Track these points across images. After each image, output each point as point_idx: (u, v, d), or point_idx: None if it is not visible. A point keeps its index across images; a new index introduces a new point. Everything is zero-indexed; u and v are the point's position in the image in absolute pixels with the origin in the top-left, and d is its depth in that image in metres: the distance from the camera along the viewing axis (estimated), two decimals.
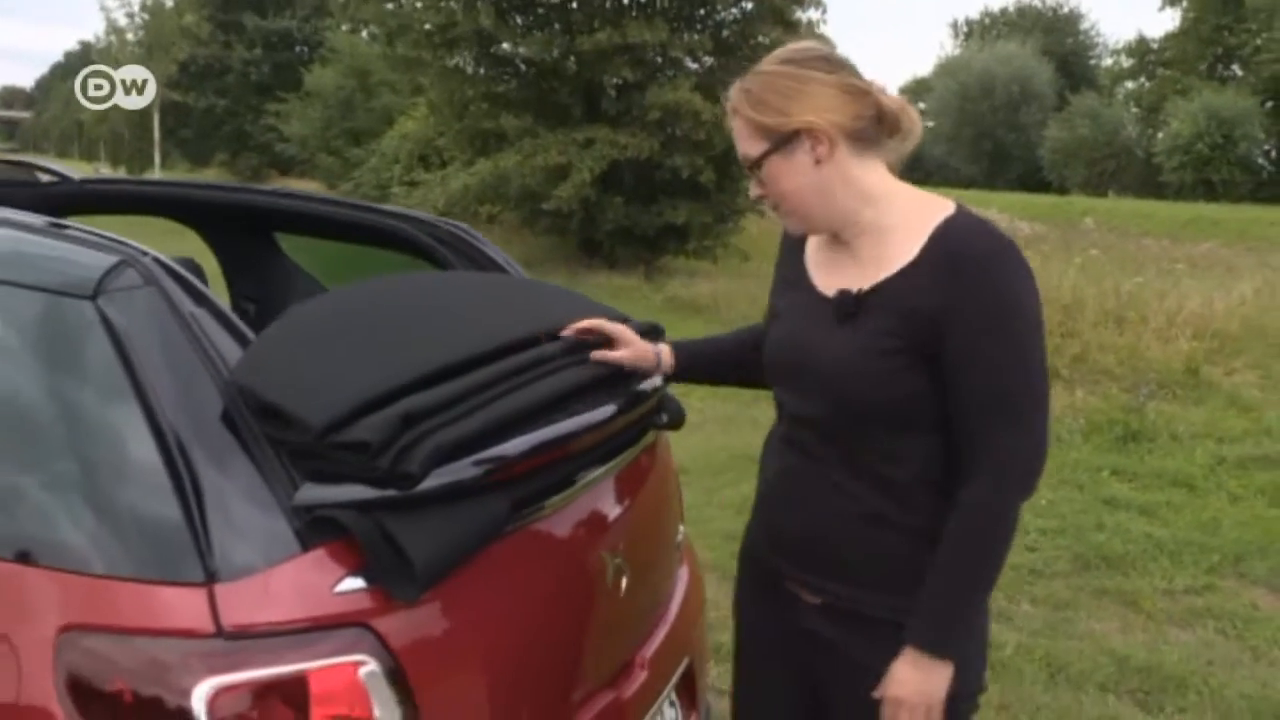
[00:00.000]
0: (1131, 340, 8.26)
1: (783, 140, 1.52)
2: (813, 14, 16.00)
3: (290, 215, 2.73)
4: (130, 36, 30.01)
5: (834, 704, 1.75)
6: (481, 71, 16.09)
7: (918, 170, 42.82)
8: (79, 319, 1.49)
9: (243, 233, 2.89)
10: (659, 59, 15.56)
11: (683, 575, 2.28)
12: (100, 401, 1.46)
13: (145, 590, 1.34)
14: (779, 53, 1.59)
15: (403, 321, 1.74)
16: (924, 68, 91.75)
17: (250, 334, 1.58)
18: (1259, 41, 37.21)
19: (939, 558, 1.56)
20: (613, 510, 1.91)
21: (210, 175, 32.68)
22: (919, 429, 1.56)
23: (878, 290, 1.54)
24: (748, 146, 1.56)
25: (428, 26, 15.39)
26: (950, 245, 1.50)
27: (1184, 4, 41.52)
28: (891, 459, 1.58)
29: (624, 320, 1.95)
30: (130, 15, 30.08)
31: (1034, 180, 39.48)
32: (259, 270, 2.96)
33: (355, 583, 1.38)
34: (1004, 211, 18.32)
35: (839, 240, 1.63)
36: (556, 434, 1.64)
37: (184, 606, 1.32)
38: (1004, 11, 53.60)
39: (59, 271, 1.56)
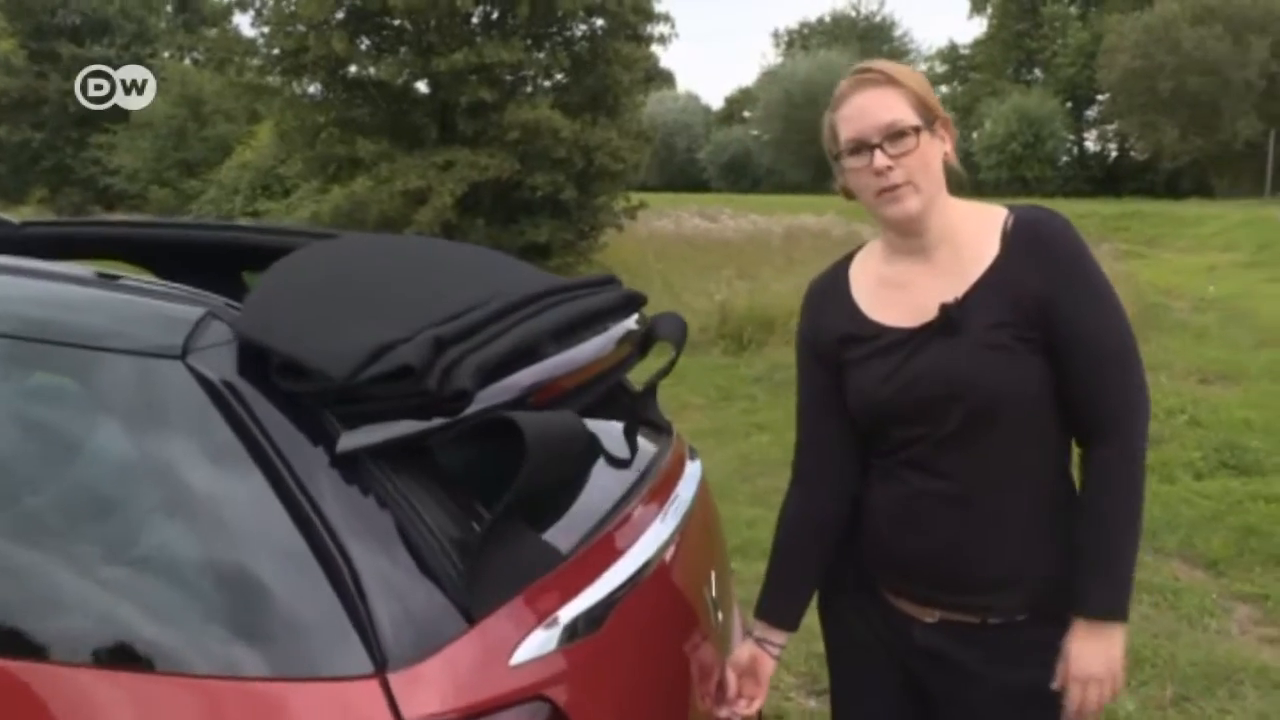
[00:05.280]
0: None
1: (931, 122, 1.65)
2: (663, 29, 16.20)
3: (265, 252, 2.55)
4: None
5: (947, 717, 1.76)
6: (332, 96, 15.64)
7: (745, 178, 43.75)
8: (171, 382, 1.33)
9: (205, 274, 2.69)
10: (511, 78, 15.46)
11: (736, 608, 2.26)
12: (219, 475, 1.30)
13: (310, 689, 1.21)
14: (898, 65, 1.70)
15: (387, 276, 1.67)
16: (748, 77, 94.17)
17: None
18: (1056, 47, 39.85)
19: (1094, 521, 1.61)
20: (700, 550, 1.88)
21: (27, 213, 30.47)
22: (1036, 421, 1.63)
23: (976, 291, 1.62)
24: (904, 115, 1.62)
25: (275, 52, 14.86)
26: (1035, 234, 1.63)
27: (989, 11, 43.99)
28: (1016, 459, 1.63)
29: (610, 281, 1.90)
30: None
31: None
32: None
33: (527, 652, 1.30)
34: (840, 215, 18.68)
35: (907, 261, 1.70)
36: (581, 356, 1.60)
37: (358, 702, 1.19)
38: (821, 21, 55.54)
39: (137, 329, 1.39)
